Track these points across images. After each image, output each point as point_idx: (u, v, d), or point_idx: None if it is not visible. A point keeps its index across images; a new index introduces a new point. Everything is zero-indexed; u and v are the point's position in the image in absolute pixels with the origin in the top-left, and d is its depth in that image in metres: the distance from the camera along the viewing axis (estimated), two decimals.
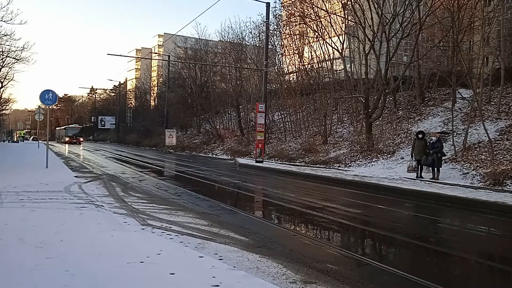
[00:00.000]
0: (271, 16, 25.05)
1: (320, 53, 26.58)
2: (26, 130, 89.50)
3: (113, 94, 73.20)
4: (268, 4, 21.89)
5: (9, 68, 28.59)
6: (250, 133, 29.97)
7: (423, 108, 21.14)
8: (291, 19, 27.63)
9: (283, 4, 29.71)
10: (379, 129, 20.93)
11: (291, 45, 29.62)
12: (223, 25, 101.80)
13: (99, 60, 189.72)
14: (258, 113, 21.61)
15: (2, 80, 32.05)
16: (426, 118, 20.03)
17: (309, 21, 25.06)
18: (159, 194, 10.73)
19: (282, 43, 31.12)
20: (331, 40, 24.24)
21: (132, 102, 68.19)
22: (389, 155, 17.51)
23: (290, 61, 30.98)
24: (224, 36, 35.31)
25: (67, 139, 57.81)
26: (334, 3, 24.44)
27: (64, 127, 69.06)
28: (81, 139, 58.87)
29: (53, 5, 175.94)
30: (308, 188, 12.80)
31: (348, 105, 26.27)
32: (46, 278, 3.92)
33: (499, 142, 14.58)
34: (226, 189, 13.07)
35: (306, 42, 28.03)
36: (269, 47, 25.32)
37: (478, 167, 13.22)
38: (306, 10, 25.08)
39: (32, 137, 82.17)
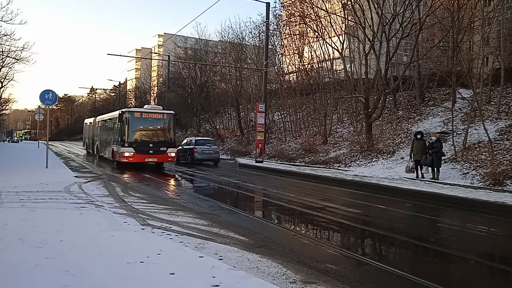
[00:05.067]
0: (271, 16, 25.08)
1: (320, 53, 26.61)
2: (25, 130, 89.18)
3: (113, 94, 73.14)
4: (268, 4, 21.90)
5: (9, 68, 28.57)
6: (250, 133, 29.97)
7: (423, 108, 21.14)
8: (291, 19, 27.64)
9: (283, 4, 29.72)
10: (379, 129, 20.93)
11: (291, 45, 29.65)
12: (223, 25, 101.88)
13: (99, 60, 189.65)
14: (258, 113, 21.61)
15: (2, 80, 32.04)
16: (426, 118, 20.03)
17: (309, 21, 25.06)
18: (159, 194, 10.73)
19: (282, 43, 31.15)
20: (331, 40, 24.25)
21: (132, 102, 68.14)
22: (389, 155, 17.50)
23: (290, 61, 31.01)
24: (224, 36, 35.37)
25: (128, 153, 17.49)
26: (334, 3, 24.45)
27: (110, 116, 21.97)
28: (173, 154, 18.75)
29: (53, 5, 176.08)
30: (308, 188, 12.79)
31: (348, 105, 26.27)
32: (46, 278, 3.91)
33: (499, 142, 14.57)
34: (226, 189, 13.08)
35: (306, 42, 28.06)
36: (269, 47, 25.31)
37: (478, 167, 13.22)
38: (306, 10, 25.09)
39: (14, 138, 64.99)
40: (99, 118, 25.50)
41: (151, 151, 17.61)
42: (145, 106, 19.60)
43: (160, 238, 5.76)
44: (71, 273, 4.02)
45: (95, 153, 24.80)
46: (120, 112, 17.83)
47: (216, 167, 20.70)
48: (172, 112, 19.32)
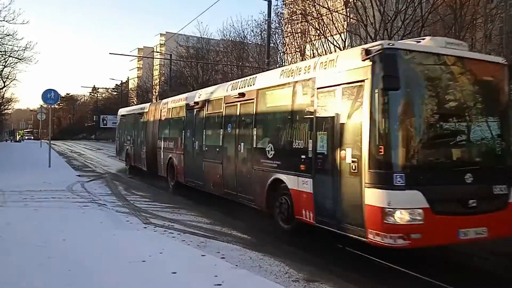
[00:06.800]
0: (272, 14, 24.88)
1: (322, 51, 26.48)
2: (27, 130, 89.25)
3: (115, 93, 73.28)
4: (269, 2, 21.83)
5: (12, 68, 28.52)
6: None
7: None
8: (293, 17, 27.55)
9: (284, 2, 29.58)
10: None
11: (293, 43, 29.53)
12: (225, 23, 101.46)
13: (101, 59, 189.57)
14: None
15: (4, 80, 32.04)
16: None
17: (311, 19, 24.97)
18: (161, 192, 10.73)
19: (284, 41, 31.03)
20: (333, 38, 24.15)
21: (134, 101, 68.21)
22: None
23: (292, 59, 30.88)
24: (226, 35, 35.29)
25: (411, 214, 4.38)
26: (336, 1, 24.36)
27: (272, 80, 6.96)
28: None
29: (55, 4, 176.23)
30: None
31: None
32: (48, 277, 3.92)
33: None
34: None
35: (307, 40, 27.96)
36: (270, 45, 25.25)
37: None
38: (307, 8, 25.00)
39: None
40: (172, 102, 11.95)
41: (473, 203, 4.75)
42: (426, 39, 5.67)
43: (163, 237, 5.76)
44: (74, 272, 4.03)
45: (164, 174, 11.75)
46: (379, 48, 4.57)
47: None
48: (504, 60, 6.07)
